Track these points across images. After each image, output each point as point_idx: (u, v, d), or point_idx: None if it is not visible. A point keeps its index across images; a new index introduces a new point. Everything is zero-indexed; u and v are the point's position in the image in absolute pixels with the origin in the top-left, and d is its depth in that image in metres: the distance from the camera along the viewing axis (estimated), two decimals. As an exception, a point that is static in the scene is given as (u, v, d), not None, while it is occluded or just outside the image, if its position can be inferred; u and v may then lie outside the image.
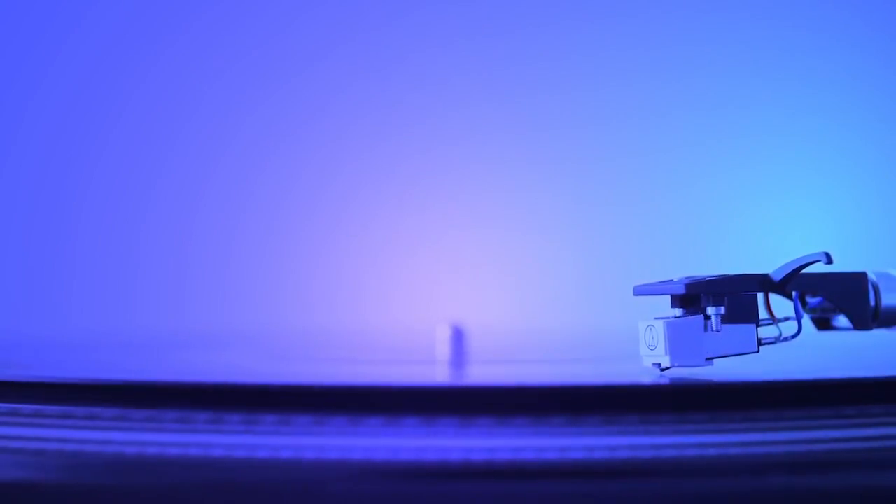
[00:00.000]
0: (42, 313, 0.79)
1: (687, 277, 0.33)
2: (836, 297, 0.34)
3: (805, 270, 0.33)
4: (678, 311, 0.33)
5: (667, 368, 0.32)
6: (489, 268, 0.78)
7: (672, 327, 0.32)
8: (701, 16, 0.78)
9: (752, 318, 0.33)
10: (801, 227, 0.75)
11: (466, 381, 0.38)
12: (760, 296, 0.33)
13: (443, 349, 0.47)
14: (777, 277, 0.33)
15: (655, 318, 0.33)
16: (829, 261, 0.32)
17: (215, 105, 0.79)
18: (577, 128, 0.78)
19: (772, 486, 0.26)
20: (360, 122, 0.79)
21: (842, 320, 0.35)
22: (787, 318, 0.33)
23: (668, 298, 0.33)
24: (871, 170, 0.77)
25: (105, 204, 0.79)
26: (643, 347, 0.33)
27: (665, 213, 0.77)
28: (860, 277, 0.34)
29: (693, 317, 0.32)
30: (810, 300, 0.35)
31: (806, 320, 0.35)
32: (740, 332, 0.33)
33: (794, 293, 0.33)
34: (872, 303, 0.34)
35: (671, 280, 0.33)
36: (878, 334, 0.35)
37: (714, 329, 0.32)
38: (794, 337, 0.33)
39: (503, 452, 0.26)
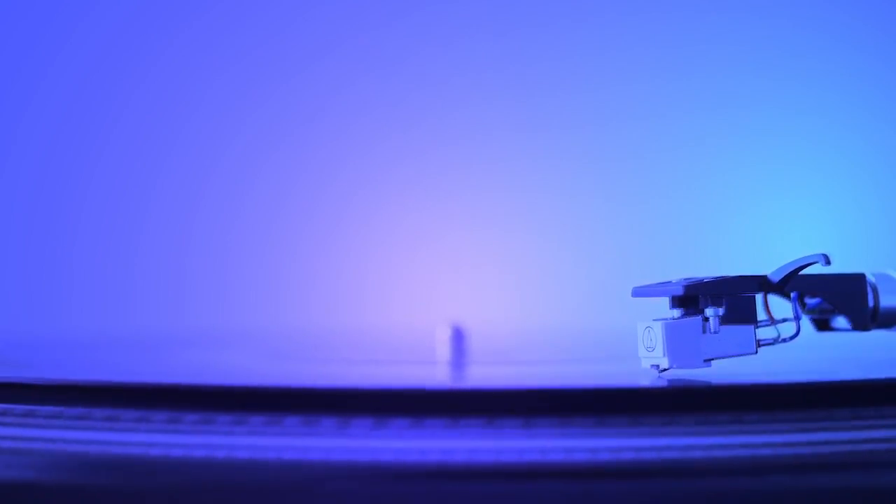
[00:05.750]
0: (42, 313, 0.79)
1: (685, 279, 0.33)
2: (835, 298, 0.34)
3: (804, 271, 0.33)
4: (676, 313, 0.33)
5: (665, 370, 0.32)
6: (489, 268, 0.78)
7: (670, 329, 0.32)
8: (701, 16, 0.78)
9: (751, 319, 0.33)
10: (801, 228, 0.75)
11: (466, 383, 0.38)
12: (759, 297, 0.33)
13: (443, 349, 0.47)
14: (776, 278, 0.33)
15: (654, 320, 0.33)
16: (828, 262, 0.32)
17: (215, 105, 0.79)
18: (577, 128, 0.78)
19: (771, 488, 0.26)
20: (360, 121, 0.79)
21: (840, 321, 0.35)
22: (785, 320, 0.33)
23: (666, 299, 0.33)
24: (871, 170, 0.77)
25: (105, 204, 0.79)
26: (641, 349, 0.33)
27: (665, 213, 0.77)
28: (859, 278, 0.34)
29: (691, 318, 0.32)
30: (809, 301, 0.35)
31: (805, 321, 0.35)
32: (739, 334, 0.32)
33: (792, 294, 0.33)
34: (871, 304, 0.34)
35: (670, 281, 0.33)
36: (877, 335, 0.35)
37: (712, 330, 0.32)
38: (792, 338, 0.33)
39: (504, 454, 0.26)
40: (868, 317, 0.34)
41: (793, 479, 0.26)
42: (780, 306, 0.33)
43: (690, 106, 0.78)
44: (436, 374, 0.40)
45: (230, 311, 0.78)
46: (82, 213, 0.79)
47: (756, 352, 0.33)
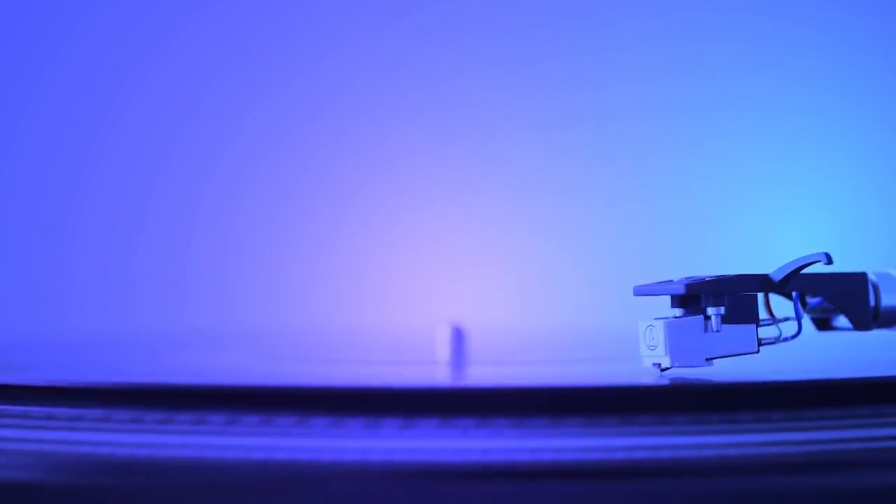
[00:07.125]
0: (42, 313, 0.78)
1: (687, 278, 0.33)
2: (836, 297, 0.34)
3: (805, 271, 0.33)
4: (678, 312, 0.33)
5: (667, 369, 0.32)
6: (489, 268, 0.78)
7: (672, 327, 0.32)
8: (701, 16, 0.78)
9: (752, 318, 0.33)
10: (801, 227, 0.75)
11: (467, 383, 0.38)
12: (760, 296, 0.33)
13: (443, 349, 0.47)
14: (777, 278, 0.33)
15: (655, 319, 0.33)
16: (829, 261, 0.32)
17: (215, 105, 0.79)
18: (576, 128, 0.78)
19: (770, 487, 0.26)
20: (360, 121, 0.79)
21: (842, 320, 0.35)
22: (787, 319, 0.33)
23: (667, 298, 0.33)
24: (871, 170, 0.77)
25: (105, 204, 0.79)
26: (643, 348, 0.33)
27: (665, 213, 0.77)
28: (860, 278, 0.34)
29: (693, 317, 0.32)
30: (810, 300, 0.35)
31: (806, 320, 0.35)
32: (740, 333, 0.32)
33: (794, 293, 0.33)
34: (872, 303, 0.34)
35: (671, 280, 0.33)
36: (878, 334, 0.35)
37: (714, 329, 0.32)
38: (794, 337, 0.33)
39: (506, 455, 0.26)
40: (869, 316, 0.34)
41: (793, 479, 0.26)
42: (782, 305, 0.33)
43: (690, 106, 0.78)
44: (436, 375, 0.40)
45: (230, 311, 0.78)
46: (82, 214, 0.79)
47: (758, 351, 0.33)
